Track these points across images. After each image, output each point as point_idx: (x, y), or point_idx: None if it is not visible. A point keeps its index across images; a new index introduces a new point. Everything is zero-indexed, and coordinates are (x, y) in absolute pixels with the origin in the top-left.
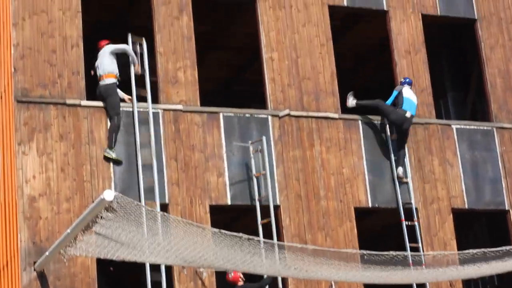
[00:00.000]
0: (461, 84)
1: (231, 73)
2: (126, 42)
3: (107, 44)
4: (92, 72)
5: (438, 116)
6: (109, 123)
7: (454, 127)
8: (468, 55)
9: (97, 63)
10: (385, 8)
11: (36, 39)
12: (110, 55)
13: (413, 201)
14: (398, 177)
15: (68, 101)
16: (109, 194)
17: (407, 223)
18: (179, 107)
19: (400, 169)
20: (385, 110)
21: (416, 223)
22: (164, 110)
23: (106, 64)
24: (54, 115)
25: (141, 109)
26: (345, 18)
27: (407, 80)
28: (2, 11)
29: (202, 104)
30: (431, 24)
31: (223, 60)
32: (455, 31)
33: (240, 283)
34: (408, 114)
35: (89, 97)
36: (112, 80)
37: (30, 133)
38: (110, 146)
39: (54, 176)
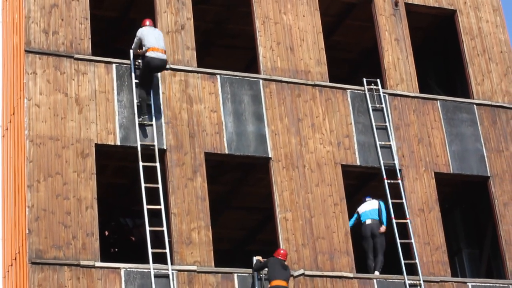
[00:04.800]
0: (476, 241)
1: (245, 233)
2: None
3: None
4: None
5: (453, 274)
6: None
7: (469, 284)
8: (482, 212)
9: (147, 36)
10: (398, 167)
11: (51, 201)
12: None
13: None
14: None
15: (82, 263)
16: None
17: None
18: (194, 267)
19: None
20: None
21: None
22: (178, 271)
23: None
24: (68, 277)
25: (155, 271)
26: (359, 177)
27: (366, 198)
28: (17, 174)
29: (216, 265)
30: (444, 182)
31: (237, 220)
32: (468, 189)
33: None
34: (368, 221)
35: (103, 259)
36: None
37: None
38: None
39: None
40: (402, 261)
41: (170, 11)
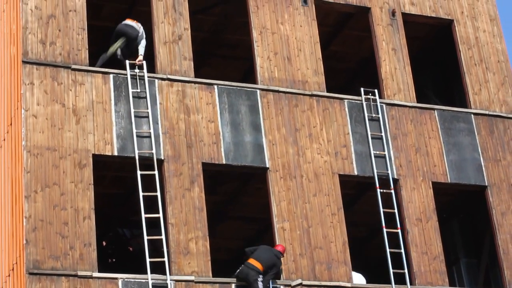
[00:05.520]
0: (474, 251)
1: (243, 243)
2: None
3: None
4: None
5: (451, 283)
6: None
7: None
8: (479, 221)
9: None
10: (395, 177)
11: (48, 211)
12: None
13: None
14: None
15: (80, 273)
16: None
17: None
18: (191, 278)
19: None
20: None
21: None
22: (176, 281)
23: None
24: (65, 287)
25: (153, 281)
26: (356, 187)
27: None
28: (14, 184)
29: (214, 275)
30: (441, 191)
31: (235, 231)
32: (466, 198)
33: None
34: None
35: (100, 269)
36: None
37: None
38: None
39: None
40: (391, 270)
41: (167, 22)
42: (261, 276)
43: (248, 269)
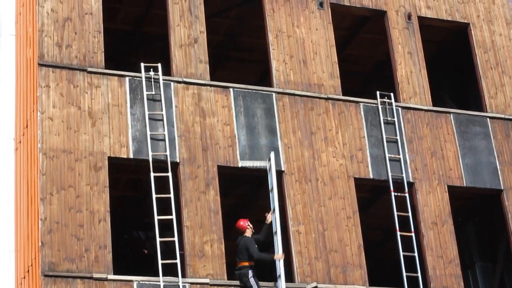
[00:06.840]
0: (489, 255)
1: (258, 246)
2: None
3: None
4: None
5: (467, 287)
6: None
7: None
8: (495, 225)
9: None
10: (411, 180)
11: (64, 213)
12: None
13: None
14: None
15: (95, 275)
16: None
17: None
18: (206, 280)
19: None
20: None
21: None
22: (191, 284)
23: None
24: None
25: (167, 283)
26: (372, 190)
27: None
28: (30, 186)
29: (229, 278)
30: (457, 195)
31: None
32: (481, 202)
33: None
34: None
35: (116, 271)
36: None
37: None
38: None
39: None
40: (404, 274)
41: (183, 25)
42: (250, 271)
43: (239, 273)
